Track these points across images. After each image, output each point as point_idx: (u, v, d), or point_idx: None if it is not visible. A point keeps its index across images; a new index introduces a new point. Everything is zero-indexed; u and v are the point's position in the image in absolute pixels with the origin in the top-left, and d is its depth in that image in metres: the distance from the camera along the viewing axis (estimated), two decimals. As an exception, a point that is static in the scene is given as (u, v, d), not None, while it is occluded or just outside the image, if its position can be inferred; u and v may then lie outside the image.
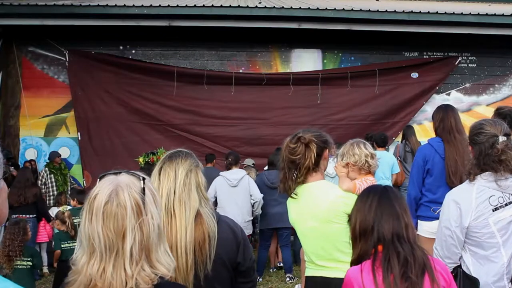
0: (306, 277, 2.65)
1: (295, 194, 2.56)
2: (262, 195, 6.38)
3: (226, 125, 8.77)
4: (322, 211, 2.48)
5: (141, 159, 7.49)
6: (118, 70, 8.65)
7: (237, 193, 6.24)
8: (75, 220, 6.32)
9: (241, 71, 8.93)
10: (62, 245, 5.48)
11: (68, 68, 8.62)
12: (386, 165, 6.40)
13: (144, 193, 1.33)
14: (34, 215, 6.78)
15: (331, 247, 2.48)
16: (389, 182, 6.29)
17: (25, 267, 4.75)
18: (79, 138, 8.62)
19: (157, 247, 1.34)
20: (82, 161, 8.60)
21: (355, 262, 1.89)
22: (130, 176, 1.36)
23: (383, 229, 1.82)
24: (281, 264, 6.88)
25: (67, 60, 8.57)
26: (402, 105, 8.89)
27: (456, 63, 9.00)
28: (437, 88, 9.00)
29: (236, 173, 6.38)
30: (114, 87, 8.67)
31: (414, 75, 8.92)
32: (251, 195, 6.34)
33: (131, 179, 1.34)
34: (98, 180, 1.37)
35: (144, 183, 1.35)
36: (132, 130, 8.71)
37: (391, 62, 8.96)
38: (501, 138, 2.38)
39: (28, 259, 4.79)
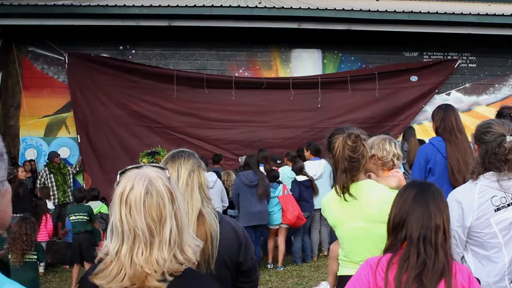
0: (343, 276, 2.61)
1: (351, 195, 2.47)
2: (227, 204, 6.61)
3: (226, 128, 8.78)
4: (373, 211, 2.44)
5: (145, 160, 7.46)
6: (117, 73, 8.65)
7: (212, 195, 6.28)
8: (72, 217, 6.34)
9: (241, 71, 8.93)
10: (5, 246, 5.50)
11: (67, 70, 8.63)
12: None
13: (170, 182, 1.42)
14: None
15: (374, 248, 2.41)
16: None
17: (31, 260, 4.86)
18: (79, 141, 8.61)
19: (185, 230, 1.43)
20: (82, 163, 8.59)
21: (383, 253, 1.89)
22: (154, 168, 1.44)
23: (412, 228, 1.81)
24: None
25: (67, 62, 8.57)
26: (402, 108, 8.92)
27: (455, 66, 9.01)
28: (436, 90, 9.03)
29: (211, 175, 6.45)
30: (114, 90, 8.67)
31: (414, 78, 8.93)
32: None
33: (157, 170, 1.42)
34: (119, 175, 1.42)
35: (168, 172, 1.45)
36: (132, 133, 8.71)
37: (391, 65, 8.98)
38: (509, 138, 2.38)
39: (34, 252, 4.90)
